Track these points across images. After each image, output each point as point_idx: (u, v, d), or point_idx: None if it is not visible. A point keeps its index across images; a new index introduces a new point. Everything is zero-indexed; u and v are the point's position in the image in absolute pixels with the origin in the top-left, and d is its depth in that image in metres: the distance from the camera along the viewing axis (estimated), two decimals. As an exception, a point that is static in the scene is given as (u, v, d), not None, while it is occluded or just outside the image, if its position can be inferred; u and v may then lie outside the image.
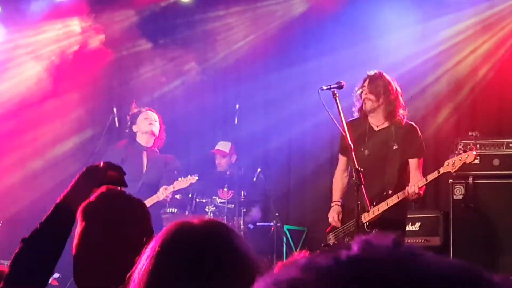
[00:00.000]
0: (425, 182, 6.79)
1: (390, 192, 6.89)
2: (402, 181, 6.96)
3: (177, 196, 9.48)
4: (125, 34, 10.72)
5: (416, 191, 6.74)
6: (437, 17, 9.69)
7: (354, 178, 6.46)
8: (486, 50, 9.55)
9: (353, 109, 7.23)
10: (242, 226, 9.20)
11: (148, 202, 7.85)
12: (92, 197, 2.71)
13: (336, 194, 7.16)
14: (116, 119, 9.45)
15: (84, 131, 10.60)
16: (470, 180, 8.54)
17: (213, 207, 9.34)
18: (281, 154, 10.46)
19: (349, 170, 7.17)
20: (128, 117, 8.86)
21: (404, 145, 7.01)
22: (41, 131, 10.48)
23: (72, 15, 10.60)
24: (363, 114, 7.13)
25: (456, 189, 8.60)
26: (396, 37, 9.81)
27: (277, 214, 9.38)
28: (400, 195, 6.79)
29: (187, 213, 9.34)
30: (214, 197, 9.56)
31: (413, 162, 7.02)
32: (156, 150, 8.83)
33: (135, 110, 8.86)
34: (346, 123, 6.66)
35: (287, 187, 10.44)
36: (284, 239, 9.39)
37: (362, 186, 6.34)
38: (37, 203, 8.92)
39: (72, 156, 10.27)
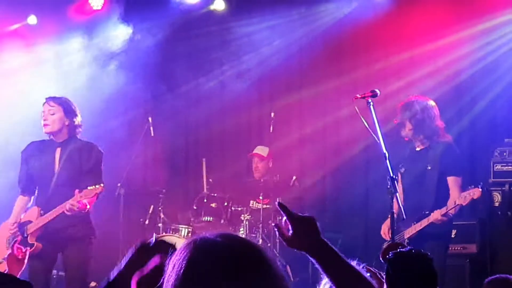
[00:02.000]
0: (444, 211, 7.02)
1: (426, 212, 7.21)
2: (442, 198, 7.13)
3: (213, 205, 9.53)
4: (160, 43, 10.79)
5: (439, 218, 7.10)
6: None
7: (389, 186, 6.45)
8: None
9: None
10: (277, 235, 9.17)
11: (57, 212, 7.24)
12: (147, 270, 2.59)
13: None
14: (151, 128, 9.54)
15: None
16: (507, 187, 8.49)
17: (249, 215, 9.34)
18: (316, 162, 10.45)
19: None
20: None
21: (441, 164, 7.21)
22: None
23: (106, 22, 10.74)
24: None
25: (493, 196, 8.56)
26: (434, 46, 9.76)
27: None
28: (430, 218, 7.11)
29: (222, 221, 9.37)
30: (249, 205, 9.56)
31: (450, 180, 7.26)
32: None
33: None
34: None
35: (323, 195, 10.43)
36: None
37: (397, 194, 6.35)
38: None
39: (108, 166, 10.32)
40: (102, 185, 7.17)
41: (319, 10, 10.47)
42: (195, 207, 9.65)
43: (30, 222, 7.36)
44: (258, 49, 10.80)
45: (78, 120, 7.61)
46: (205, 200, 9.63)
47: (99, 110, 10.15)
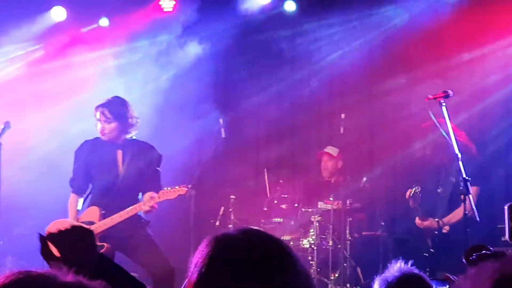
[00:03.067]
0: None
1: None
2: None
3: (283, 206, 9.55)
4: (230, 45, 10.86)
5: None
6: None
7: (461, 187, 6.38)
8: None
9: None
10: (348, 236, 9.17)
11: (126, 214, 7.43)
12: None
13: None
14: (222, 129, 9.59)
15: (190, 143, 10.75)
16: None
17: (319, 216, 9.33)
18: (387, 163, 10.37)
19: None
20: None
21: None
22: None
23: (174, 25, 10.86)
24: None
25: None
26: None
27: (383, 223, 9.32)
28: None
29: (292, 223, 9.38)
30: (319, 206, 9.55)
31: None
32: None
33: None
34: None
35: (393, 196, 10.34)
36: (390, 248, 9.30)
37: (470, 195, 6.29)
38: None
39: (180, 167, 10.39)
40: (185, 187, 7.44)
41: (388, 10, 10.40)
42: (265, 209, 9.69)
43: (92, 222, 7.42)
44: (327, 50, 10.78)
45: (133, 119, 7.70)
46: (275, 202, 9.66)
47: (170, 112, 10.28)
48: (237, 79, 11.08)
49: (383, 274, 3.20)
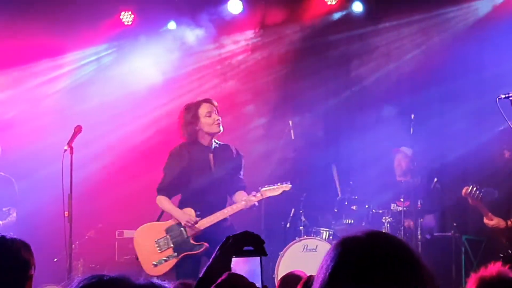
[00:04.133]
0: None
1: None
2: None
3: (353, 207, 9.53)
4: (292, 47, 10.91)
5: None
6: None
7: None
8: None
9: None
10: (419, 237, 9.10)
11: (222, 215, 7.71)
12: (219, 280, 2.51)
13: None
14: (292, 131, 9.64)
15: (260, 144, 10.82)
16: None
17: (390, 217, 9.29)
18: (458, 164, 10.25)
19: None
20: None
21: None
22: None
23: (241, 30, 10.96)
24: None
25: None
26: None
27: (454, 224, 9.23)
28: None
29: (363, 224, 9.35)
30: (390, 207, 9.50)
31: None
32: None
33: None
34: None
35: (465, 197, 10.21)
36: (463, 249, 9.21)
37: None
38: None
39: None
40: (289, 184, 7.86)
41: (458, 9, 10.30)
42: (336, 210, 9.68)
43: None
44: (396, 49, 10.73)
45: None
46: (346, 203, 9.64)
47: (239, 113, 10.38)
48: (304, 81, 11.11)
49: (479, 273, 3.18)
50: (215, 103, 7.85)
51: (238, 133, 10.10)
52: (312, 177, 10.78)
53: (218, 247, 2.60)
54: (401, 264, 2.07)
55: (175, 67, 10.99)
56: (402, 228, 9.07)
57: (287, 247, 8.86)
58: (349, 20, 10.90)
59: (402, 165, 9.85)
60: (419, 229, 9.13)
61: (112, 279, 1.84)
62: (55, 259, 8.91)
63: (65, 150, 7.25)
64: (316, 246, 8.74)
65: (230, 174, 7.88)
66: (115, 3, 10.81)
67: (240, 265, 2.57)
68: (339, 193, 9.99)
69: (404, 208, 9.27)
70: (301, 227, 9.34)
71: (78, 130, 7.52)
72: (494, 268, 3.16)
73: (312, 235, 9.12)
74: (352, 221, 9.42)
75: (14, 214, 8.44)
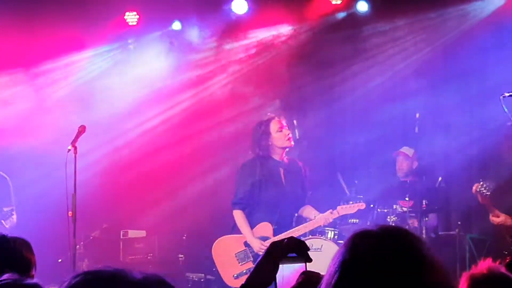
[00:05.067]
0: None
1: None
2: None
3: (359, 207, 9.52)
4: (297, 47, 10.91)
5: None
6: None
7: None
8: None
9: None
10: (424, 235, 9.09)
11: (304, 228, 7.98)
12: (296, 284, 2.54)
13: None
14: (296, 131, 9.62)
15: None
16: None
17: (394, 216, 9.29)
18: (462, 163, 10.24)
19: None
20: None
21: None
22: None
23: (246, 30, 10.97)
24: None
25: None
26: None
27: (459, 222, 9.22)
28: None
29: (368, 223, 9.34)
30: (395, 206, 9.49)
31: None
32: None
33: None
34: None
35: (470, 196, 10.20)
36: (467, 248, 9.20)
37: None
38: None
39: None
40: (364, 203, 8.19)
41: (463, 8, 10.29)
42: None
43: (267, 238, 7.87)
44: (401, 49, 10.73)
45: None
46: (350, 202, 9.62)
47: (243, 111, 10.38)
48: (309, 80, 11.11)
49: (470, 271, 3.18)
50: (284, 119, 8.15)
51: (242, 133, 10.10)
52: (316, 177, 10.78)
53: (263, 254, 2.60)
54: (411, 255, 2.09)
55: (180, 67, 10.99)
56: (407, 227, 9.05)
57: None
58: (354, 19, 10.89)
59: (403, 167, 9.85)
60: (423, 228, 9.12)
61: (109, 274, 1.79)
62: (60, 260, 8.89)
63: (69, 150, 7.25)
64: (321, 245, 8.72)
65: (300, 188, 8.20)
66: (120, 4, 10.81)
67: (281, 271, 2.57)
68: (347, 192, 9.99)
69: (409, 208, 9.27)
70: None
71: (82, 130, 7.52)
72: (484, 265, 3.15)
73: (317, 234, 9.10)
74: (357, 220, 9.42)
75: (15, 216, 8.31)
